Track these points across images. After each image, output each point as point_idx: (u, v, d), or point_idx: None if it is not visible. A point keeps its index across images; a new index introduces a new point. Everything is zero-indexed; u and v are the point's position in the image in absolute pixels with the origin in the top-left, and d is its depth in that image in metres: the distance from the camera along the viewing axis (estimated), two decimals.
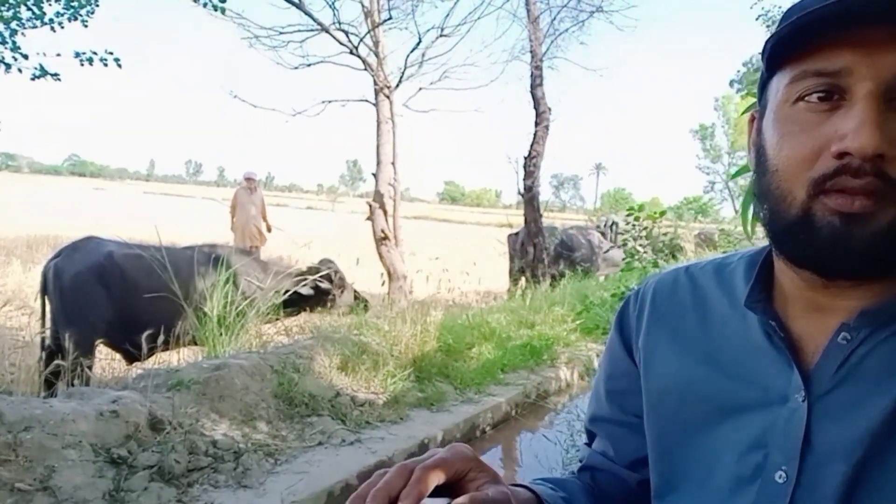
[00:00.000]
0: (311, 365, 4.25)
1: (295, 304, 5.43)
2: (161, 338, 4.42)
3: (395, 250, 8.13)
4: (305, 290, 5.41)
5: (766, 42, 0.57)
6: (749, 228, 1.74)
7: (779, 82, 0.58)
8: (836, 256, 0.53)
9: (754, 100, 0.71)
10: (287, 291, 5.26)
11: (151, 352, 4.50)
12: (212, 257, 5.11)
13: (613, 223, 12.27)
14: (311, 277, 5.50)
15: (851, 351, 0.57)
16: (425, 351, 5.05)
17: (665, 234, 8.81)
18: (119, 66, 6.45)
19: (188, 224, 16.52)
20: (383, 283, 7.42)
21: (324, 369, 4.32)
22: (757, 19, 13.76)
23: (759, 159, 0.60)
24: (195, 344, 4.77)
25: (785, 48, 0.56)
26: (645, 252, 5.13)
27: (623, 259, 5.12)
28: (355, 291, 6.03)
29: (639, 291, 0.80)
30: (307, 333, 4.95)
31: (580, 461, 0.87)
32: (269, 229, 9.22)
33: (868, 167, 0.50)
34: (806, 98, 0.55)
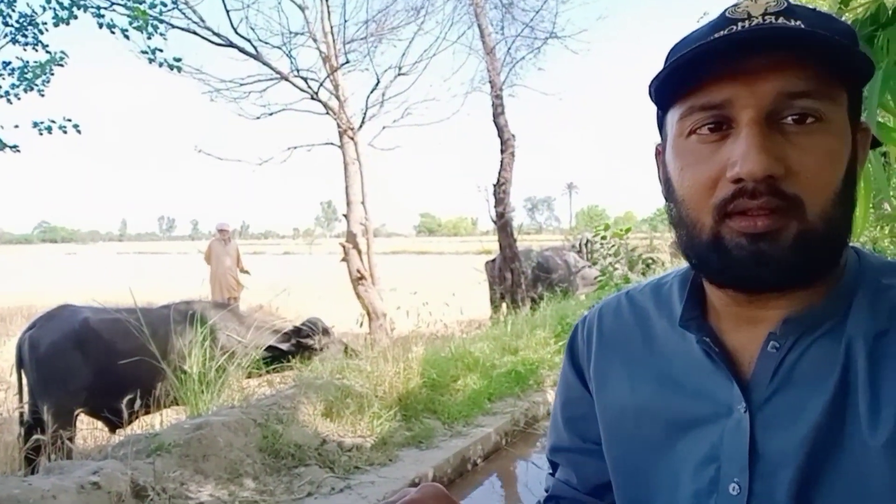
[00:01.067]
0: (294, 414, 4.22)
1: (278, 359, 5.41)
2: (141, 401, 4.36)
3: (373, 289, 8.13)
4: (286, 347, 5.41)
5: (650, 85, 0.61)
6: None
7: (672, 118, 0.62)
8: (750, 274, 0.56)
9: None
10: (269, 347, 5.26)
11: (133, 416, 4.43)
12: (188, 314, 5.07)
13: (588, 241, 12.40)
14: (295, 331, 5.51)
15: (782, 358, 0.60)
16: (410, 388, 5.04)
17: (633, 250, 8.96)
18: (78, 131, 6.45)
19: (164, 281, 16.33)
20: (361, 324, 7.40)
21: (308, 417, 4.28)
22: None
23: (668, 190, 0.64)
24: (177, 404, 4.70)
25: (669, 88, 0.60)
26: (616, 269, 5.20)
27: (596, 278, 5.18)
28: (343, 343, 6.01)
29: (585, 319, 0.83)
30: (289, 382, 4.91)
31: (546, 491, 0.89)
32: (244, 270, 9.24)
33: (762, 188, 0.54)
34: (697, 131, 0.58)
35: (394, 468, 4.04)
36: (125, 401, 4.12)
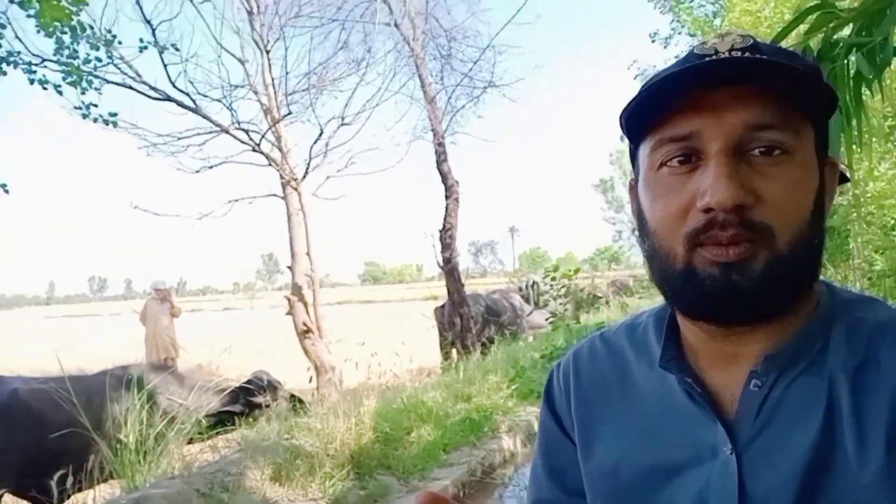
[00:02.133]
0: (241, 481, 3.99)
1: (224, 422, 5.15)
2: (73, 478, 4.04)
3: (320, 342, 7.94)
4: (237, 408, 5.17)
5: (620, 116, 0.62)
6: None
7: (643, 152, 0.63)
8: (724, 304, 0.56)
9: None
10: (219, 412, 5.01)
11: (64, 495, 4.10)
12: (125, 379, 4.79)
13: (534, 283, 12.54)
14: (242, 389, 5.27)
15: (765, 396, 0.59)
16: (362, 444, 4.87)
17: (582, 290, 9.13)
18: (6, 191, 6.14)
19: (96, 345, 15.51)
20: (311, 379, 7.18)
21: (255, 483, 4.07)
22: (635, 79, 14.94)
23: (641, 223, 0.65)
24: (112, 478, 4.39)
25: (639, 120, 0.61)
26: (566, 309, 5.26)
27: (547, 319, 5.22)
28: (291, 395, 5.79)
29: (560, 365, 0.81)
30: (235, 446, 4.66)
31: None
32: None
33: (732, 218, 0.54)
34: (668, 163, 0.59)
35: None
36: (56, 478, 3.81)
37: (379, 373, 6.99)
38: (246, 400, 5.28)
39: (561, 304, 4.85)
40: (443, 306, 10.29)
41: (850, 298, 0.64)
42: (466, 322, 9.76)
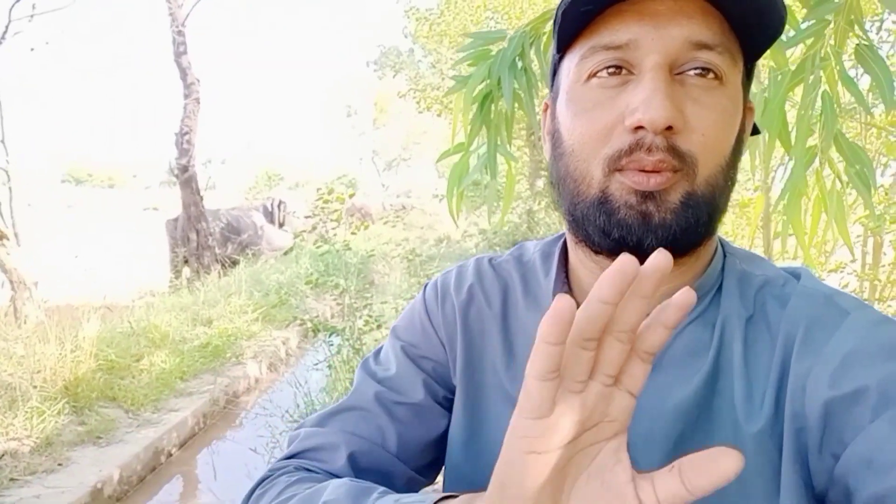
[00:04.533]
0: None
1: None
2: None
3: (17, 250, 6.51)
4: None
5: (556, 10, 0.55)
6: (454, 208, 1.67)
7: (570, 62, 0.57)
8: (634, 236, 0.52)
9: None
10: None
11: None
12: None
13: (281, 202, 11.98)
14: None
15: None
16: (80, 374, 4.15)
17: (353, 215, 9.03)
18: None
19: None
20: (10, 297, 5.90)
21: None
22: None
23: (555, 144, 0.59)
24: None
25: (572, 21, 0.54)
26: (335, 233, 5.09)
27: (317, 244, 4.98)
28: None
29: (438, 282, 0.74)
30: None
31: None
32: None
33: (660, 142, 0.50)
34: (598, 74, 0.54)
35: (66, 474, 3.29)
36: None
37: (97, 290, 6.02)
38: None
39: (332, 228, 4.67)
40: (176, 219, 9.23)
41: (741, 254, 0.63)
42: (204, 238, 8.91)
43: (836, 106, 1.02)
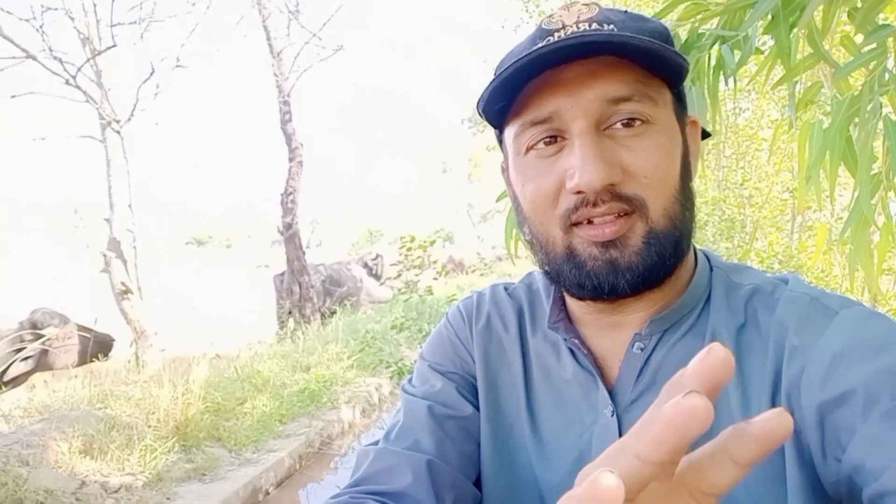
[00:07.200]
0: (44, 454, 3.45)
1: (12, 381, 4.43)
2: None
3: (141, 304, 7.17)
4: (27, 360, 4.47)
5: (477, 105, 0.60)
6: (513, 250, 1.72)
7: (509, 135, 0.61)
8: (606, 283, 0.56)
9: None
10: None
11: None
12: None
13: (378, 256, 12.43)
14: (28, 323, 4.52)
15: (647, 359, 0.60)
16: (190, 415, 4.46)
17: (435, 262, 9.26)
18: None
19: None
20: (132, 344, 6.47)
21: (62, 456, 3.54)
22: (484, 62, 15.05)
23: (517, 209, 0.63)
24: None
25: (496, 106, 0.59)
26: (419, 279, 5.24)
27: (399, 291, 5.15)
28: (79, 325, 5.07)
29: (460, 306, 0.78)
30: (35, 415, 4.03)
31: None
32: None
33: (604, 195, 0.53)
34: (534, 147, 0.58)
35: None
36: None
37: (210, 340, 6.49)
38: (35, 334, 4.55)
39: (415, 274, 4.81)
40: (282, 274, 9.82)
41: (727, 265, 0.65)
42: (306, 291, 9.39)
43: None
